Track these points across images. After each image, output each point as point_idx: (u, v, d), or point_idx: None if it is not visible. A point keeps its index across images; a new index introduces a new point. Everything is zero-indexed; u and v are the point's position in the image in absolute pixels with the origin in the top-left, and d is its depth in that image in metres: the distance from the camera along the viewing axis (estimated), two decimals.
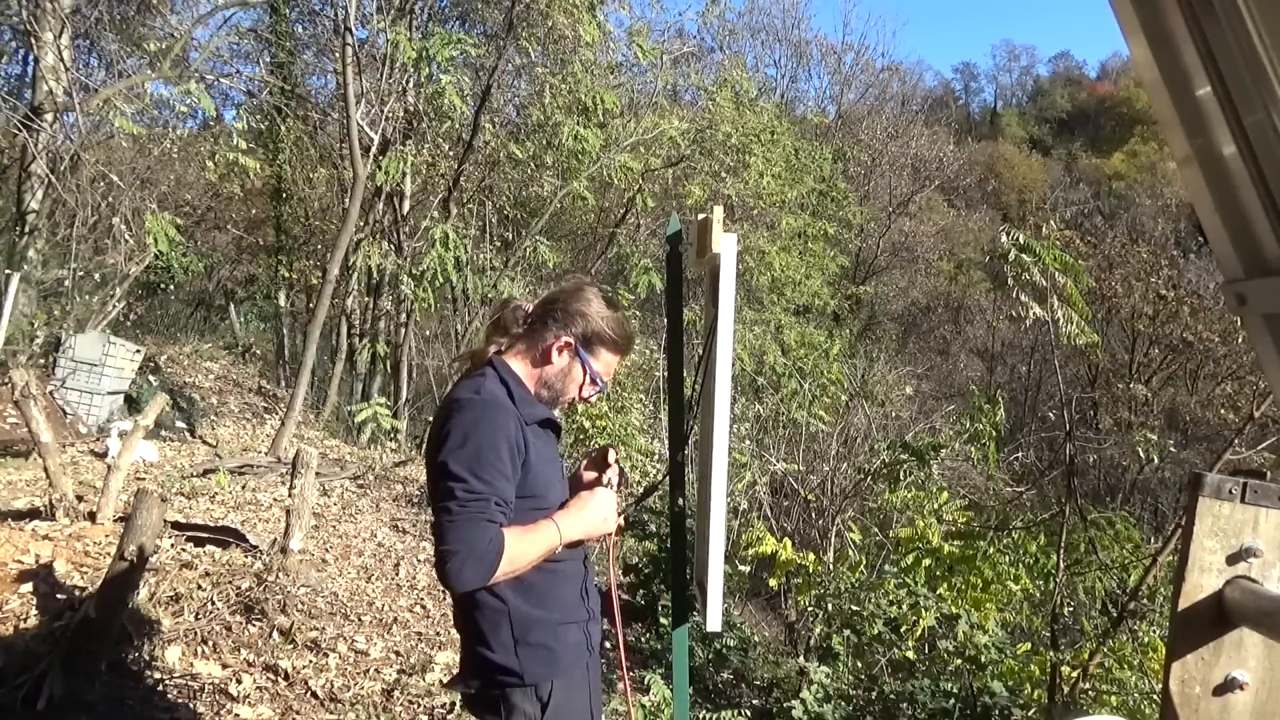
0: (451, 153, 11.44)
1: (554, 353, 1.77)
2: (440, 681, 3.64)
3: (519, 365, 1.79)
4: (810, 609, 5.24)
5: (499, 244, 12.34)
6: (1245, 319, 1.07)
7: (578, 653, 1.76)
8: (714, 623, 1.99)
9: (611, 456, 1.91)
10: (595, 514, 1.76)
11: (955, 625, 4.19)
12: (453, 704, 3.43)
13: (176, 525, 4.31)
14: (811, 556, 5.07)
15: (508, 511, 1.60)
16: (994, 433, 5.66)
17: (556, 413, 1.85)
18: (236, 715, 3.11)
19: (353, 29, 9.44)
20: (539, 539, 1.65)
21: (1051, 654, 4.13)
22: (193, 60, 10.49)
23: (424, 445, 1.80)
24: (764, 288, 14.07)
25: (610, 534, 1.82)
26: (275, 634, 3.64)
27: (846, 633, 4.56)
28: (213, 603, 3.63)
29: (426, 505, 5.77)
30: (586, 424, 7.63)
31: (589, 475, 1.89)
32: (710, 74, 14.52)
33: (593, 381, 1.82)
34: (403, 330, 11.96)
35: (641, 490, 5.91)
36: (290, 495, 4.32)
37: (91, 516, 4.20)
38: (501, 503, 1.59)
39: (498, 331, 1.83)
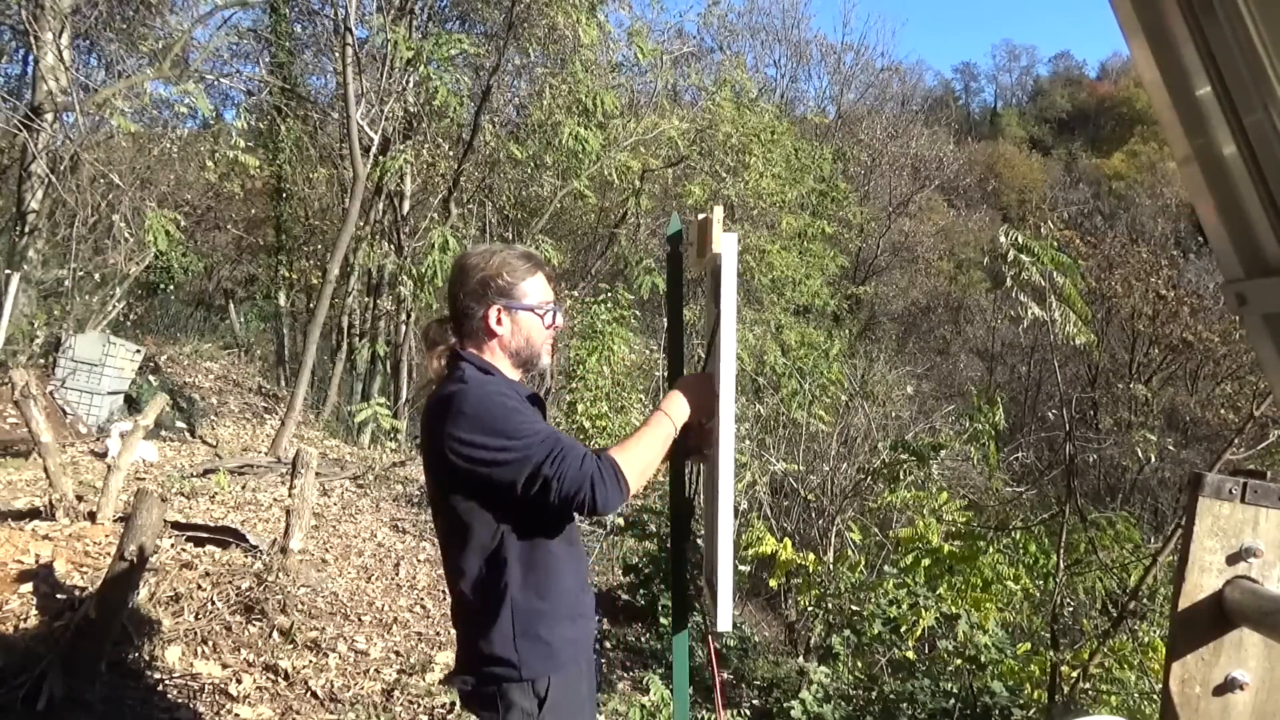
0: (451, 153, 11.45)
1: (493, 324, 1.74)
2: (440, 680, 3.64)
3: (483, 351, 1.77)
4: (810, 609, 5.24)
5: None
6: (1245, 319, 1.07)
7: (574, 650, 1.74)
8: (724, 622, 1.87)
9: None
10: (691, 390, 1.82)
11: (955, 625, 4.19)
12: (452, 704, 3.43)
13: (176, 525, 4.31)
14: (811, 556, 5.07)
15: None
16: (994, 433, 5.66)
17: (546, 381, 1.86)
18: (236, 715, 3.11)
19: (353, 29, 9.43)
20: (654, 433, 1.72)
21: (1051, 654, 4.14)
22: (192, 60, 10.50)
23: (423, 452, 1.77)
24: (764, 288, 14.06)
25: (707, 422, 1.87)
26: (275, 634, 3.64)
27: (846, 633, 4.56)
28: (213, 603, 3.63)
29: (426, 505, 5.78)
30: (586, 424, 7.62)
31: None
32: (710, 74, 14.50)
33: (542, 315, 1.78)
34: (403, 330, 11.96)
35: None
36: (290, 495, 4.32)
37: (91, 516, 4.20)
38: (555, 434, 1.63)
39: (437, 352, 1.79)
